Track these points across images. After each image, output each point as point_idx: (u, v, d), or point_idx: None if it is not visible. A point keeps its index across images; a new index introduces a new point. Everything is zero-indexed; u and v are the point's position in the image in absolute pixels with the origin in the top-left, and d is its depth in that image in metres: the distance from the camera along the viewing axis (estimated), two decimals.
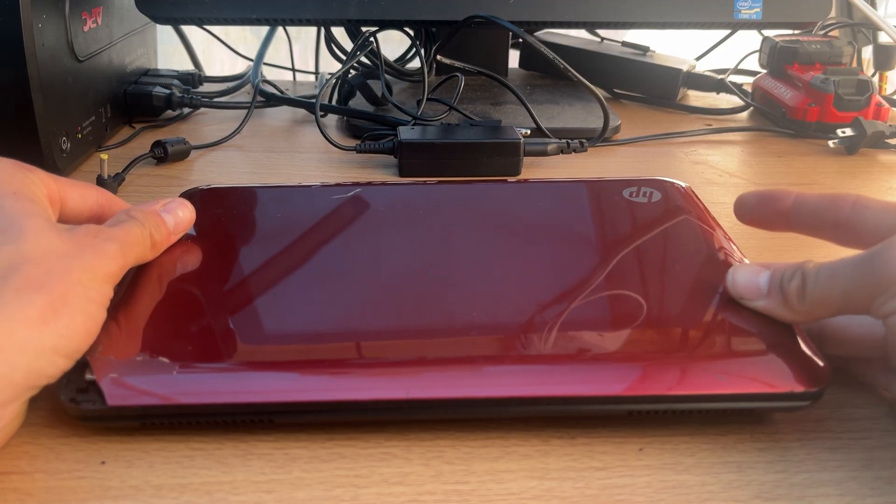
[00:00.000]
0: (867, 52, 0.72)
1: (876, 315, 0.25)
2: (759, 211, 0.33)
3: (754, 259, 0.39)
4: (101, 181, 0.45)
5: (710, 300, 0.30)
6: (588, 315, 0.29)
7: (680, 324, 0.28)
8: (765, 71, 0.66)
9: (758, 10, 0.58)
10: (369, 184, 0.40)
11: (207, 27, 0.63)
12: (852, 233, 0.30)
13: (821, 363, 0.27)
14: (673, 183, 0.39)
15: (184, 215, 0.33)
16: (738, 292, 0.30)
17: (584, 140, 0.52)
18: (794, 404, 0.26)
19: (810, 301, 0.27)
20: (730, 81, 0.66)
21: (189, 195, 0.38)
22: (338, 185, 0.40)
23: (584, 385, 0.26)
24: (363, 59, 0.61)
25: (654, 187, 0.39)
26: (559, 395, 0.26)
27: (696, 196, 0.39)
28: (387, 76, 0.58)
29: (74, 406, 0.25)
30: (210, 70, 0.74)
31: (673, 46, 0.72)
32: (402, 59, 0.67)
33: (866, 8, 0.63)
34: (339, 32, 0.63)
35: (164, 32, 0.68)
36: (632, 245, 0.34)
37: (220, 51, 0.76)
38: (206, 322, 0.29)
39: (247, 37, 0.87)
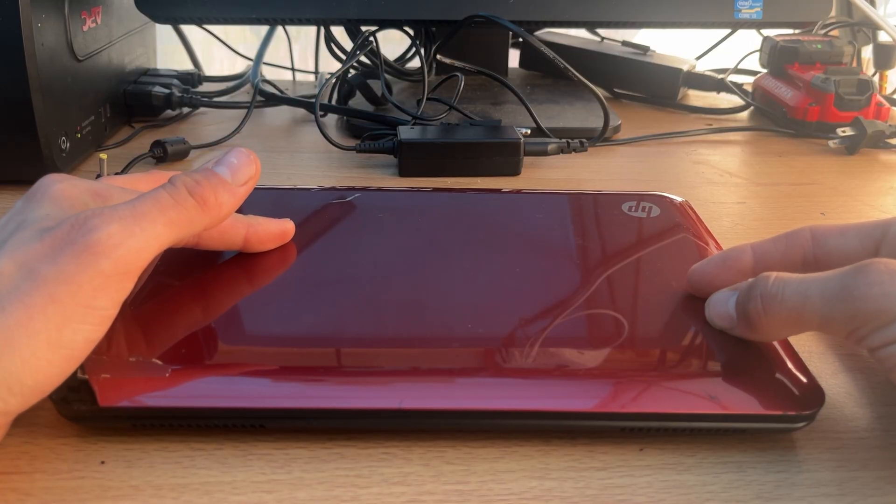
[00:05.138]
0: (867, 52, 0.72)
1: (859, 346, 0.25)
2: (720, 278, 0.30)
3: None
4: None
5: (703, 319, 0.29)
6: (582, 331, 0.29)
7: (673, 342, 0.28)
8: (765, 70, 0.66)
9: (758, 9, 0.58)
10: (368, 189, 0.40)
11: (207, 27, 0.63)
12: (823, 265, 0.29)
13: (815, 385, 0.26)
14: (672, 199, 0.39)
15: (239, 160, 0.28)
16: (716, 325, 0.29)
17: (584, 140, 0.52)
18: (787, 426, 0.26)
19: (776, 322, 0.26)
20: (730, 81, 0.66)
21: None
22: (337, 188, 0.39)
23: (578, 401, 0.26)
24: (363, 58, 0.61)
25: (653, 202, 0.39)
26: (554, 409, 0.25)
27: (692, 210, 0.39)
28: (386, 76, 0.58)
29: (65, 405, 0.25)
30: (210, 70, 0.74)
31: (673, 46, 0.72)
32: (402, 58, 0.67)
33: (866, 7, 0.63)
34: (338, 32, 0.63)
35: (164, 32, 0.68)
36: (627, 261, 0.34)
37: (220, 50, 0.76)
38: (200, 325, 0.28)
39: (246, 36, 0.87)
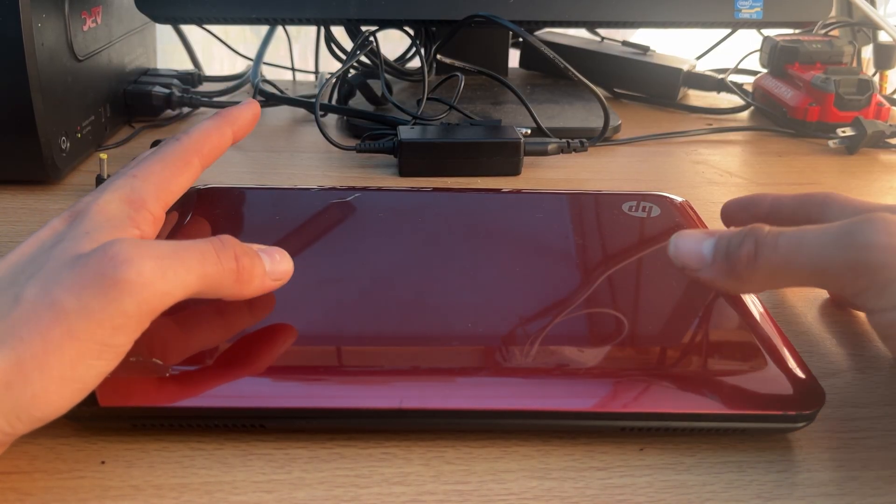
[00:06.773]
0: (867, 52, 0.72)
1: (859, 307, 0.24)
2: (740, 217, 0.33)
3: None
4: (100, 181, 0.45)
5: (704, 318, 0.30)
6: (582, 330, 0.29)
7: (673, 342, 0.28)
8: (765, 70, 0.66)
9: (758, 9, 0.58)
10: (368, 189, 0.40)
11: (207, 26, 0.63)
12: None
13: (815, 385, 0.26)
14: (672, 199, 0.39)
15: (282, 258, 0.29)
16: (680, 261, 0.28)
17: (584, 140, 0.52)
18: (787, 426, 0.26)
19: (764, 270, 0.26)
20: (730, 81, 0.66)
21: (186, 194, 0.38)
22: (337, 188, 0.39)
23: (578, 400, 0.26)
24: (363, 58, 0.61)
25: (653, 202, 0.39)
26: (554, 409, 0.25)
27: (693, 210, 0.39)
28: (387, 76, 0.58)
29: None
30: (210, 69, 0.74)
31: (673, 46, 0.72)
32: (402, 58, 0.67)
33: (866, 7, 0.63)
34: (338, 32, 0.63)
35: (164, 32, 0.68)
36: (628, 260, 0.34)
37: (220, 50, 0.76)
38: (199, 325, 0.28)
39: (246, 36, 0.87)
